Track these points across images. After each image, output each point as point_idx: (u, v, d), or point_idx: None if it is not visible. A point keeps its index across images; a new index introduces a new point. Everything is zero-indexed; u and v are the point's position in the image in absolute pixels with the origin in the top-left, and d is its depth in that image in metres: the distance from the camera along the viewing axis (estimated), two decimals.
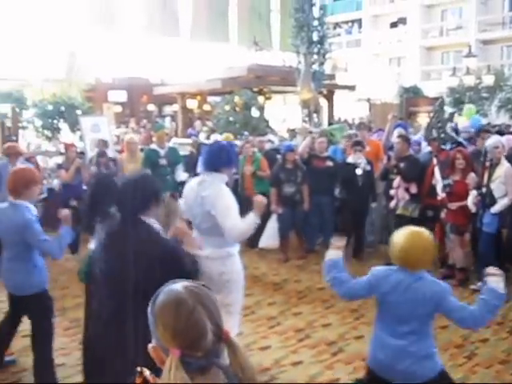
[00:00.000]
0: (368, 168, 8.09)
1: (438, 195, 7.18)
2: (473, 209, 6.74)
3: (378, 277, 3.38)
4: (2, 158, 8.20)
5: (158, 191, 3.42)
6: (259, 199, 4.09)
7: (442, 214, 7.16)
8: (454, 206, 6.91)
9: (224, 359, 1.51)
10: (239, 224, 4.00)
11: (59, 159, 10.46)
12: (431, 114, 8.61)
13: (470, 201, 6.74)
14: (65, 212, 4.42)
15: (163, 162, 8.28)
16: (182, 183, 8.06)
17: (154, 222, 3.24)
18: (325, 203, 8.34)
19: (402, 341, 3.25)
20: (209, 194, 4.08)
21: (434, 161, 7.43)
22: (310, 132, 8.99)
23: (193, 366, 1.43)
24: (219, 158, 4.20)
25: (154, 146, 8.69)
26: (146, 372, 1.54)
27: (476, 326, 3.38)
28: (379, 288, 3.34)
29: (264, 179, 8.77)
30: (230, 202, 4.09)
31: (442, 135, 7.88)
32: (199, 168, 4.16)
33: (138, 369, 1.55)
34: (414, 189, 7.48)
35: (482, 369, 4.88)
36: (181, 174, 8.55)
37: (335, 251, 3.58)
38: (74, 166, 8.46)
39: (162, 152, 8.37)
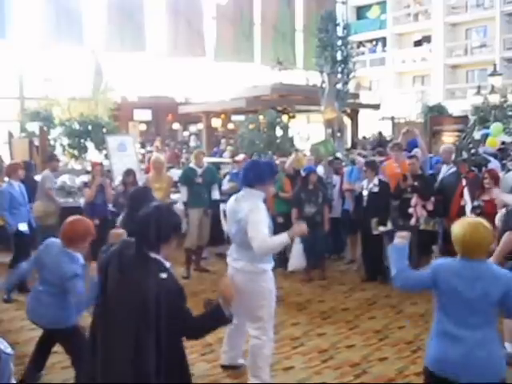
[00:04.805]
0: (375, 190, 8.12)
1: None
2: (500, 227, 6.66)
3: (441, 269, 3.36)
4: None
5: (176, 225, 3.21)
6: (303, 228, 4.34)
7: None
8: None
9: None
10: (268, 240, 4.24)
11: (86, 178, 10.61)
12: (459, 134, 8.57)
13: (498, 219, 6.66)
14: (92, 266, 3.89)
15: (199, 180, 8.51)
16: (217, 201, 8.70)
17: (162, 258, 3.08)
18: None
19: (476, 332, 3.18)
20: (243, 208, 4.38)
21: (463, 182, 7.41)
22: (296, 150, 9.31)
23: None
24: (251, 175, 4.46)
25: (192, 165, 8.94)
26: None
27: None
28: (443, 280, 3.30)
29: (286, 200, 8.76)
30: (261, 217, 4.30)
31: (473, 157, 7.82)
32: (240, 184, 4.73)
33: None
34: (430, 206, 7.75)
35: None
36: (216, 194, 8.79)
37: (400, 240, 3.66)
38: (95, 185, 8.60)
39: (199, 171, 8.60)
